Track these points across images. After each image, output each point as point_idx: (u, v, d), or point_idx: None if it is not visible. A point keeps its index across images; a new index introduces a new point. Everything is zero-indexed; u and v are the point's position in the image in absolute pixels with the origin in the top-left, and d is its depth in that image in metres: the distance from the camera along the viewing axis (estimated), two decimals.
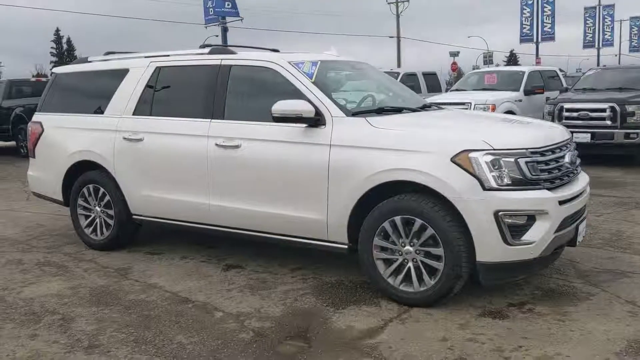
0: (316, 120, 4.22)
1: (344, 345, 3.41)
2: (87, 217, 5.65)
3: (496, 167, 3.67)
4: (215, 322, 3.79)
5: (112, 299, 4.27)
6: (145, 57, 5.51)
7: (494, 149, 3.70)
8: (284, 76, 4.50)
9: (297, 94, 4.35)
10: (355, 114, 4.32)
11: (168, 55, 5.35)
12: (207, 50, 5.10)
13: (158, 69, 5.27)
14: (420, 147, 3.85)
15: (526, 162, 3.72)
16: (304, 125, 4.26)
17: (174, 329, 3.71)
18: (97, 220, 5.57)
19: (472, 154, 3.68)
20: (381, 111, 4.60)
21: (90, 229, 5.62)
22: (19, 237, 6.20)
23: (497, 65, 44.62)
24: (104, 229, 5.53)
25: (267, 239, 4.61)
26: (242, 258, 5.13)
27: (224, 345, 3.45)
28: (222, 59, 4.89)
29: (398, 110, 4.78)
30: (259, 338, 3.54)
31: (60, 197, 5.85)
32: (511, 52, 75.71)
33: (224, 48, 5.26)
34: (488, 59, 45.20)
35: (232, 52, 4.96)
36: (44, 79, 15.99)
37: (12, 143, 14.82)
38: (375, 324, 3.69)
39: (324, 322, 3.75)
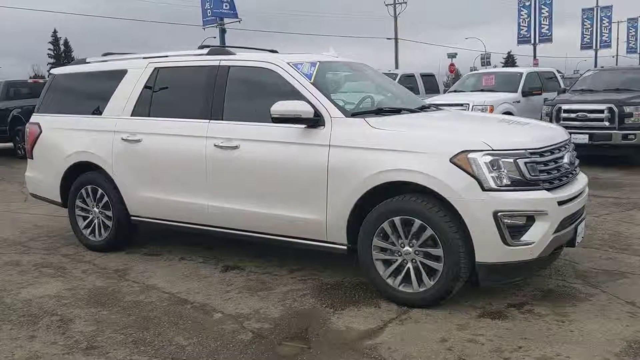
0: (315, 121, 4.21)
1: (343, 346, 3.40)
2: (85, 218, 5.63)
3: (495, 167, 3.66)
4: (214, 323, 3.78)
5: (110, 300, 4.26)
6: (144, 58, 5.50)
7: (493, 150, 3.70)
8: (283, 77, 4.50)
9: (296, 95, 4.35)
10: (354, 114, 4.32)
11: (166, 56, 5.35)
12: (205, 51, 5.09)
13: (156, 70, 5.26)
14: (419, 148, 3.85)
15: (525, 163, 3.72)
16: (303, 126, 4.25)
17: (173, 330, 3.70)
18: (95, 221, 5.55)
19: (471, 155, 3.68)
20: (380, 112, 4.60)
21: (89, 230, 5.60)
22: (17, 239, 6.18)
23: (495, 66, 44.66)
24: (102, 230, 5.51)
25: (266, 240, 4.60)
26: (241, 259, 5.12)
27: (223, 347, 3.44)
28: (220, 60, 4.88)
29: (397, 111, 4.78)
30: (258, 339, 3.53)
31: (58, 199, 5.84)
32: (509, 53, 75.81)
33: (222, 49, 5.25)
34: (485, 61, 45.27)
35: (231, 53, 4.95)
36: (41, 81, 15.96)
37: (10, 144, 14.79)
38: (375, 324, 3.69)
39: (323, 323, 3.74)
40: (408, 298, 3.93)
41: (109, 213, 5.42)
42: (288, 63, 4.57)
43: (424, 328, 3.62)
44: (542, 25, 37.46)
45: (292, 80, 4.45)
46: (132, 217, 5.34)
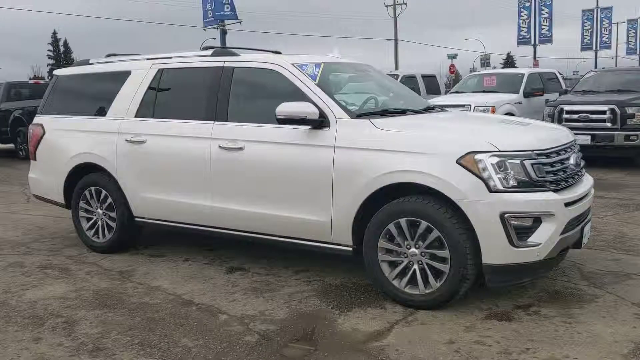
0: (320, 122, 4.21)
1: (350, 348, 3.39)
2: (89, 219, 5.62)
3: (502, 168, 3.65)
4: (219, 325, 3.77)
5: (115, 301, 4.25)
6: (147, 59, 5.49)
7: (500, 151, 3.69)
8: (287, 78, 4.49)
9: (301, 96, 4.34)
10: (359, 115, 4.31)
11: (170, 58, 5.34)
12: (209, 52, 5.09)
13: (160, 71, 5.26)
14: (425, 149, 3.84)
15: (532, 164, 3.71)
16: (308, 127, 4.24)
17: (179, 331, 3.69)
18: (99, 222, 5.54)
19: (477, 156, 3.67)
20: (385, 113, 4.59)
21: (92, 231, 5.59)
22: (20, 240, 6.17)
23: (494, 67, 44.67)
24: (106, 232, 5.50)
25: (271, 241, 4.59)
26: (246, 260, 5.11)
27: (229, 348, 3.43)
28: (225, 61, 4.87)
29: (402, 112, 4.77)
30: (264, 341, 3.52)
31: (61, 200, 5.82)
32: (508, 54, 75.89)
33: (226, 50, 5.23)
34: (485, 62, 45.32)
35: (235, 54, 4.94)
36: (42, 82, 15.95)
37: (11, 145, 14.80)
38: (381, 326, 3.68)
39: (329, 324, 3.73)
40: (414, 300, 3.91)
41: (113, 214, 5.41)
42: (293, 64, 4.56)
43: (430, 330, 3.61)
44: (542, 27, 37.47)
45: (297, 81, 4.44)
46: (136, 219, 5.33)
